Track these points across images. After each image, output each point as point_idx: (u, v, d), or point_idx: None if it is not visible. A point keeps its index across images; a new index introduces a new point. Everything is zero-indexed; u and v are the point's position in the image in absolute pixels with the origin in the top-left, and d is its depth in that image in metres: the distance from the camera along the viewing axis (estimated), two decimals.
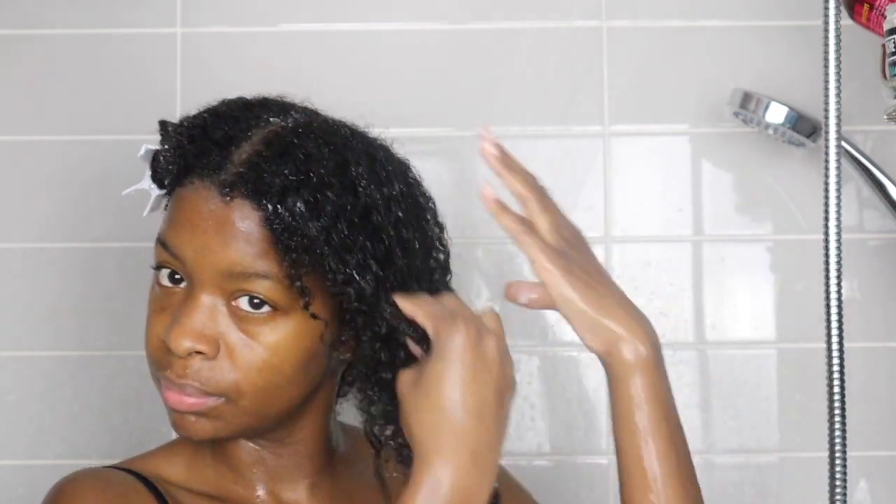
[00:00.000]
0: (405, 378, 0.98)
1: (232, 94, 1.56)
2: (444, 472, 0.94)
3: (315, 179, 0.99)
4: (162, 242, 1.04)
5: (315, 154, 1.01)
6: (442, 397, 0.94)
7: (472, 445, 0.94)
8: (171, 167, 1.04)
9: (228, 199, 0.99)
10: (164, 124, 1.07)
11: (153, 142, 1.09)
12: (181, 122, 1.07)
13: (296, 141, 1.01)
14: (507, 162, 1.05)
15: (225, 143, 1.01)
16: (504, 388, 0.97)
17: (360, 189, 1.01)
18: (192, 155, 1.02)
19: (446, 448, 0.94)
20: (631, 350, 1.00)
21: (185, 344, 1.01)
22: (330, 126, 1.07)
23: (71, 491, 1.05)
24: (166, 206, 1.08)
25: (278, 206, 0.98)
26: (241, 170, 0.99)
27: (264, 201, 0.99)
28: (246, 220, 0.99)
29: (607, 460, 1.54)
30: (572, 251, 1.03)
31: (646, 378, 1.00)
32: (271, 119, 1.04)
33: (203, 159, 1.01)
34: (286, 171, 0.99)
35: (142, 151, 1.09)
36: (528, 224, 1.02)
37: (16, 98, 1.58)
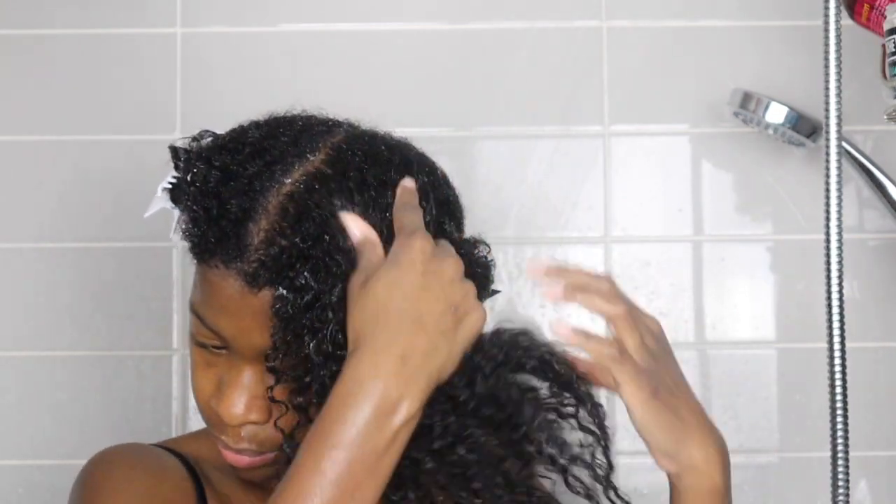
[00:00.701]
0: (355, 279, 0.94)
1: (231, 95, 1.58)
2: (367, 367, 0.90)
3: (329, 242, 0.96)
4: (199, 317, 1.02)
5: (330, 213, 0.97)
6: (385, 297, 0.92)
7: (404, 349, 0.91)
8: (190, 241, 1.01)
9: (256, 289, 0.97)
10: (175, 152, 1.05)
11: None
12: (193, 175, 1.02)
13: (311, 202, 0.97)
14: (577, 282, 1.04)
15: (241, 219, 0.97)
16: (461, 308, 0.94)
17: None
18: (210, 237, 0.99)
19: (377, 345, 0.91)
20: (706, 480, 1.00)
21: (237, 418, 1.01)
22: (347, 160, 1.01)
23: (105, 462, 1.10)
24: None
25: (300, 286, 0.96)
26: (262, 256, 0.96)
27: (287, 285, 0.96)
28: (277, 304, 0.97)
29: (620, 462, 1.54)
30: (658, 364, 1.03)
31: None
32: (285, 175, 0.99)
33: (223, 244, 0.98)
34: (302, 240, 0.96)
35: (159, 193, 1.06)
36: (617, 346, 1.01)
37: (16, 98, 1.58)
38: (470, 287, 0.95)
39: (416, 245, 0.93)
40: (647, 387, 0.99)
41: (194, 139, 1.04)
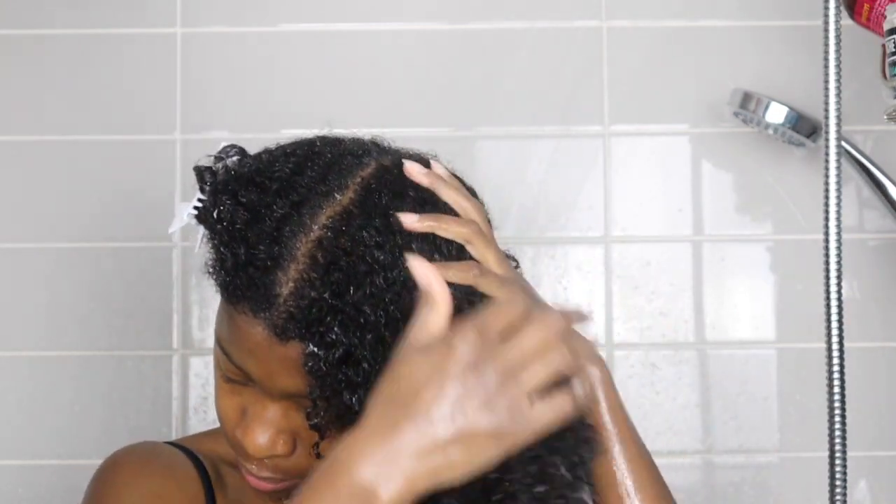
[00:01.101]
0: (404, 339, 0.89)
1: (232, 95, 1.58)
2: (355, 446, 0.85)
3: (356, 292, 0.93)
4: (226, 353, 1.00)
5: (359, 258, 0.94)
6: (399, 374, 0.86)
7: (404, 443, 0.84)
8: (217, 283, 0.99)
9: (285, 340, 0.95)
10: (200, 175, 1.03)
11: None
12: (219, 199, 0.99)
13: (339, 249, 0.95)
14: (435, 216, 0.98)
15: (270, 267, 0.95)
16: (505, 429, 0.85)
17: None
18: (238, 284, 0.96)
19: (376, 425, 0.85)
20: (595, 368, 0.99)
21: (262, 451, 1.00)
22: (375, 198, 0.97)
23: (115, 463, 1.09)
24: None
25: (331, 342, 0.93)
26: (291, 308, 0.94)
27: (317, 341, 0.94)
28: (310, 362, 0.94)
29: None
30: (518, 278, 1.01)
31: (611, 390, 1.00)
32: (314, 219, 0.96)
33: (251, 293, 0.95)
34: (332, 294, 0.93)
35: (185, 219, 1.04)
36: (477, 266, 0.97)
37: (16, 98, 1.58)
38: (505, 406, 0.84)
39: (453, 338, 0.85)
40: (518, 294, 0.95)
41: (219, 157, 1.02)
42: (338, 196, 0.96)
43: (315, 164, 0.98)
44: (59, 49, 1.58)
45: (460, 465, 0.84)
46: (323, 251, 0.94)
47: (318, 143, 1.01)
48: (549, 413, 0.85)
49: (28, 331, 1.56)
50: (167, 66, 1.58)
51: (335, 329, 0.92)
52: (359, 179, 0.97)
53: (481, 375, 0.84)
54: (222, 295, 0.99)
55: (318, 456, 0.96)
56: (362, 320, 0.91)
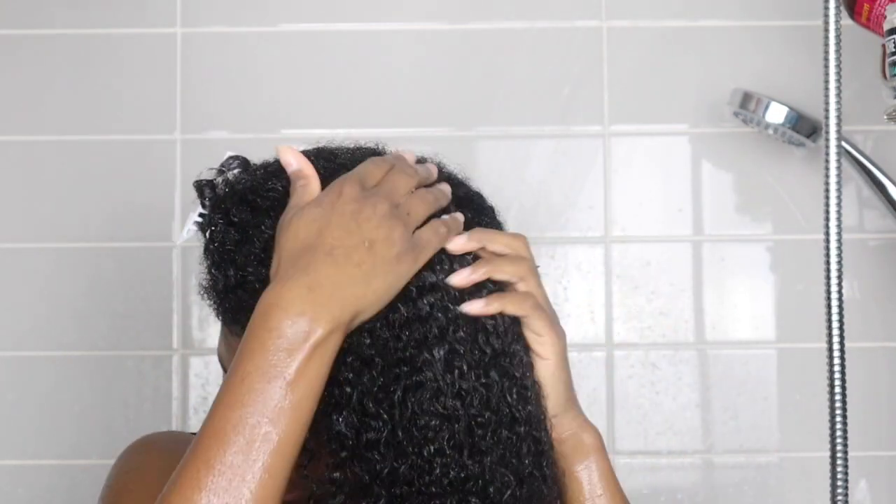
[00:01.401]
0: (284, 215, 0.94)
1: (231, 95, 1.58)
2: (272, 297, 0.89)
3: None
4: (226, 371, 1.01)
5: None
6: (303, 234, 0.91)
7: (311, 280, 0.90)
8: (209, 298, 1.00)
9: None
10: (200, 190, 1.03)
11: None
12: (213, 218, 1.00)
13: None
14: (486, 239, 1.00)
15: (258, 290, 0.94)
16: (378, 244, 0.91)
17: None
18: (228, 306, 0.98)
19: (286, 278, 0.90)
20: (587, 437, 0.99)
21: None
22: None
23: (130, 448, 1.12)
24: None
25: None
26: None
27: None
28: None
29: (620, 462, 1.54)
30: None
31: (604, 459, 0.99)
32: None
33: (241, 315, 0.96)
34: None
35: (185, 237, 1.04)
36: (534, 299, 0.98)
37: (16, 98, 1.58)
38: (399, 226, 0.92)
39: (339, 187, 0.93)
40: (561, 339, 0.97)
41: (220, 170, 1.02)
42: None
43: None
44: (59, 49, 1.58)
45: (379, 292, 0.91)
46: None
47: (313, 159, 1.00)
48: (433, 234, 0.94)
49: (28, 331, 1.56)
50: (167, 66, 1.58)
51: None
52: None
53: (373, 206, 0.92)
54: (216, 316, 1.00)
55: (305, 477, 0.96)
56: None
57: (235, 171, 1.02)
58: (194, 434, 1.12)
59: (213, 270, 0.98)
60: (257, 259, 0.96)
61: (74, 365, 1.56)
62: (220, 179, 1.01)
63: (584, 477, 0.98)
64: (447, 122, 1.58)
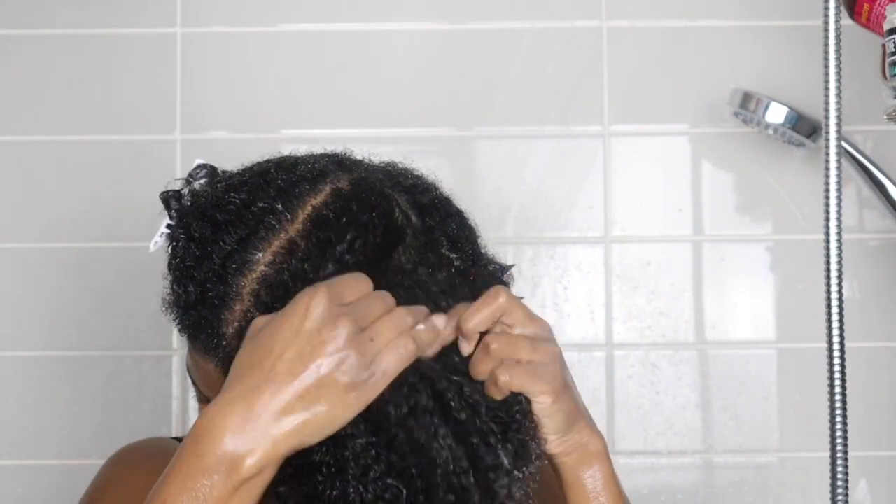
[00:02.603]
0: (258, 318, 0.92)
1: (232, 95, 1.58)
2: (209, 415, 0.87)
3: None
4: (193, 382, 1.04)
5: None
6: (256, 341, 0.89)
7: (249, 405, 0.86)
8: (171, 314, 1.00)
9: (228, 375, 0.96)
10: (166, 202, 1.04)
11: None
12: (177, 232, 1.00)
13: (282, 284, 0.95)
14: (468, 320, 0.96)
15: (217, 306, 0.96)
16: (330, 371, 0.87)
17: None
18: (188, 323, 0.98)
19: (228, 393, 0.88)
20: (593, 446, 0.99)
21: None
22: (324, 240, 0.96)
23: (112, 460, 1.11)
24: None
25: None
26: (236, 345, 0.95)
27: None
28: None
29: (620, 461, 1.54)
30: (549, 359, 0.99)
31: (607, 463, 1.00)
32: (261, 253, 0.95)
33: (200, 332, 0.97)
34: None
35: (152, 249, 1.05)
36: (515, 363, 0.96)
37: (16, 98, 1.58)
38: (355, 354, 0.87)
39: (308, 300, 0.88)
40: (551, 381, 0.96)
41: (188, 180, 1.02)
42: (286, 227, 0.95)
43: (266, 193, 0.97)
44: (59, 49, 1.58)
45: (322, 422, 0.87)
46: (266, 287, 0.94)
47: (273, 170, 0.99)
48: (394, 357, 0.89)
49: (28, 331, 1.56)
50: (167, 66, 1.58)
51: None
52: (309, 209, 0.96)
53: (334, 328, 0.87)
54: (179, 331, 1.00)
55: None
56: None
57: (202, 180, 1.02)
58: (179, 439, 1.12)
59: (174, 286, 0.98)
60: (216, 275, 0.95)
61: (74, 365, 1.56)
62: (186, 190, 1.01)
63: (590, 484, 0.98)
64: (447, 122, 1.58)
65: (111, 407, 1.55)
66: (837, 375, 1.14)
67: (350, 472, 0.89)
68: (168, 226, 1.02)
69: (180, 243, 0.99)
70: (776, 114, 1.47)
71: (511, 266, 1.07)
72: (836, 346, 1.14)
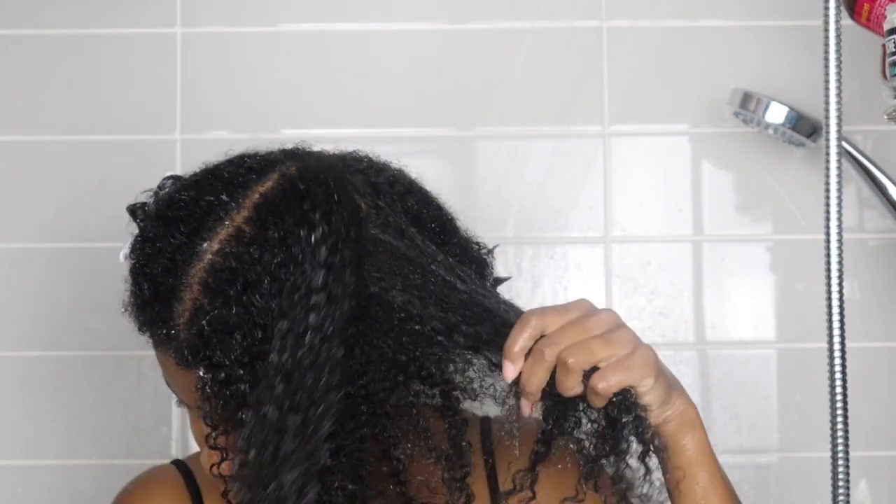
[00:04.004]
0: None
1: (232, 95, 1.58)
2: None
3: (256, 313, 0.95)
4: (165, 380, 1.06)
5: (249, 276, 0.96)
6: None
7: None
8: (128, 311, 1.04)
9: (188, 368, 0.99)
10: (133, 213, 1.05)
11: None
12: (131, 250, 1.03)
13: (228, 270, 0.96)
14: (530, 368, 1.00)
15: (169, 299, 0.98)
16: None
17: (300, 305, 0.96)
18: (142, 318, 1.02)
19: None
20: (689, 415, 1.02)
21: (206, 465, 1.03)
22: (269, 224, 0.97)
23: (137, 490, 1.15)
24: None
25: (216, 364, 0.97)
26: (186, 338, 0.98)
27: (206, 365, 0.97)
28: (199, 384, 0.98)
29: None
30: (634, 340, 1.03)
31: (701, 431, 1.03)
32: (208, 244, 0.97)
33: (154, 326, 1.00)
34: (219, 317, 0.96)
35: (122, 260, 1.06)
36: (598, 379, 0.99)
37: (16, 98, 1.58)
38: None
39: None
40: (644, 368, 0.99)
41: (156, 192, 1.04)
42: (233, 215, 0.97)
43: (213, 187, 1.00)
44: (58, 49, 1.58)
45: None
46: (213, 275, 0.96)
47: (222, 165, 1.02)
48: None
49: (28, 331, 1.56)
50: (167, 66, 1.58)
51: (218, 352, 0.95)
52: (256, 196, 0.98)
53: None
54: (138, 331, 1.03)
55: (223, 479, 1.00)
56: (246, 343, 0.94)
57: (168, 189, 1.03)
58: (179, 462, 1.13)
59: (131, 287, 1.01)
60: (166, 269, 0.98)
61: (74, 365, 1.56)
62: (151, 201, 1.03)
63: (690, 448, 1.01)
64: (447, 122, 1.58)
65: (111, 407, 1.55)
66: (838, 375, 1.14)
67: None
68: (134, 236, 1.04)
69: (136, 244, 1.01)
70: (776, 114, 1.47)
71: (494, 247, 1.08)
72: (836, 346, 1.14)
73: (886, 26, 1.18)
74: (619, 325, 1.00)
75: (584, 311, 0.99)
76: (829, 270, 1.13)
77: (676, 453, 1.02)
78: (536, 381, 0.97)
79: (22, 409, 1.56)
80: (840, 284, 1.13)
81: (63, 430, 1.56)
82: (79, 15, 1.58)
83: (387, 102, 1.58)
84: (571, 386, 0.96)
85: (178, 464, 1.16)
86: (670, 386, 1.01)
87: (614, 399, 0.98)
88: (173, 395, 1.06)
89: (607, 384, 0.96)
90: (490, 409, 1.06)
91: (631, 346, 0.99)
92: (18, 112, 1.58)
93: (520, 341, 0.97)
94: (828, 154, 1.14)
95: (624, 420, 0.98)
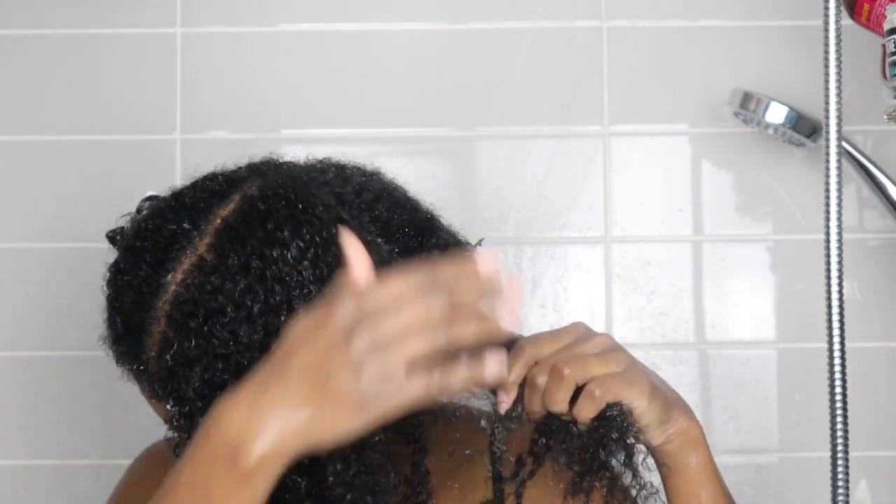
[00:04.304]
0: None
1: (232, 95, 1.58)
2: (223, 403, 0.87)
3: (217, 344, 0.94)
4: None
5: (211, 306, 0.94)
6: (285, 333, 0.88)
7: (258, 398, 0.86)
8: (106, 344, 1.03)
9: (160, 401, 0.98)
10: (112, 240, 1.04)
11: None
12: (107, 279, 1.02)
13: (192, 301, 0.94)
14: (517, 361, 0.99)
15: (139, 333, 0.97)
16: (338, 381, 0.85)
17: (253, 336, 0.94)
18: (116, 352, 1.01)
19: (247, 382, 0.87)
20: (692, 434, 1.02)
21: None
22: (229, 245, 0.95)
23: (142, 456, 1.17)
24: None
25: (183, 398, 0.95)
26: (154, 372, 0.97)
27: (175, 398, 0.96)
28: (170, 414, 0.97)
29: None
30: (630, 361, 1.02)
31: (704, 450, 1.02)
32: (173, 275, 0.96)
33: (127, 360, 1.00)
34: (183, 352, 0.94)
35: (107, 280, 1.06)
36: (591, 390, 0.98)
37: (16, 98, 1.58)
38: (370, 368, 0.83)
39: (337, 301, 0.86)
40: (642, 383, 0.99)
41: (134, 214, 1.04)
42: (195, 244, 0.95)
43: (176, 215, 0.98)
44: (58, 49, 1.58)
45: (327, 430, 0.85)
46: (177, 308, 0.94)
47: (186, 190, 1.00)
48: (417, 389, 0.85)
49: (28, 331, 1.56)
50: (167, 66, 1.58)
51: (182, 385, 0.94)
52: (218, 221, 0.96)
53: (354, 341, 0.84)
54: (116, 364, 1.03)
55: None
56: (203, 373, 0.93)
57: (146, 212, 1.02)
58: None
59: (107, 320, 1.00)
60: (135, 302, 0.96)
61: (74, 365, 1.56)
62: (127, 226, 1.03)
63: (693, 468, 1.01)
64: (447, 122, 1.58)
65: (111, 407, 1.55)
66: (838, 375, 1.14)
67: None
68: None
69: (110, 276, 1.00)
70: (776, 114, 1.47)
71: (480, 241, 1.06)
72: (836, 346, 1.14)
73: (886, 26, 1.18)
74: (615, 348, 1.00)
75: (579, 334, 1.00)
76: (829, 270, 1.13)
77: (678, 472, 1.02)
78: (535, 408, 0.98)
79: (22, 409, 1.56)
80: (840, 284, 1.13)
81: (63, 430, 1.55)
82: (79, 15, 1.58)
83: (387, 102, 1.57)
84: (561, 400, 0.96)
85: None
86: (669, 404, 1.00)
87: (608, 414, 0.97)
88: None
89: (604, 391, 0.96)
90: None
91: (626, 365, 0.99)
92: (18, 112, 1.58)
93: (514, 371, 0.97)
94: (828, 154, 1.14)
95: (614, 436, 0.98)
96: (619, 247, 1.57)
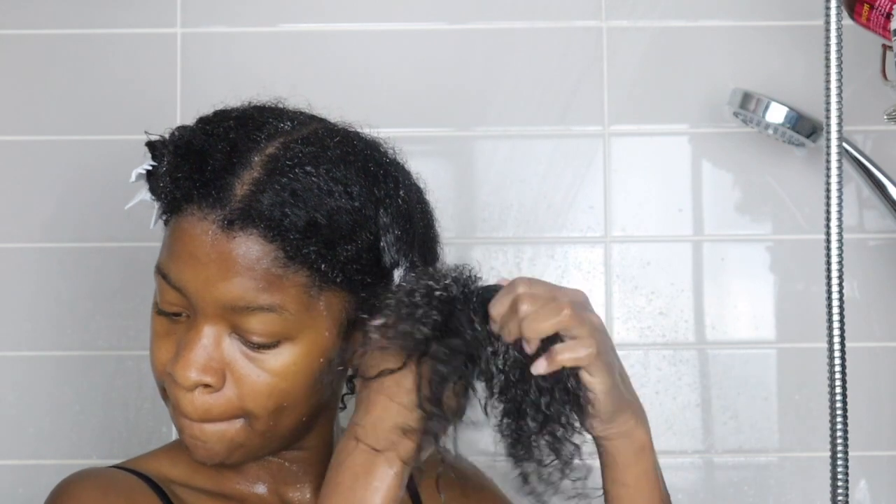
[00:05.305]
0: None
1: (231, 96, 1.57)
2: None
3: (317, 205, 0.99)
4: (163, 274, 1.03)
5: (314, 176, 1.00)
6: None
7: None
8: (168, 193, 1.02)
9: (232, 235, 0.98)
10: (152, 146, 1.05)
11: (142, 160, 1.08)
12: (174, 140, 1.04)
13: (295, 162, 1.00)
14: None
15: (225, 172, 0.99)
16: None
17: (357, 205, 1.01)
18: (191, 185, 1.00)
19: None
20: (638, 439, 1.03)
21: (191, 378, 1.01)
22: (328, 138, 1.05)
23: (73, 491, 1.04)
24: (165, 223, 1.07)
25: (283, 239, 0.98)
26: (243, 205, 0.98)
27: (269, 235, 0.98)
28: (250, 255, 0.98)
29: None
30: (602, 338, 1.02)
31: (649, 455, 1.04)
32: (269, 141, 1.02)
33: (203, 190, 0.99)
34: (288, 200, 0.98)
35: (133, 178, 1.07)
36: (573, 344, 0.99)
37: (16, 98, 1.58)
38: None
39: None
40: (606, 366, 0.99)
41: (172, 131, 1.07)
42: (295, 126, 1.05)
43: (267, 110, 1.08)
44: (59, 49, 1.58)
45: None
46: (277, 162, 0.99)
47: (271, 101, 1.11)
48: None
49: (29, 331, 1.56)
50: (167, 66, 1.58)
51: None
52: (316, 123, 1.08)
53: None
54: (170, 206, 1.02)
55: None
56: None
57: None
58: (121, 468, 1.09)
59: (175, 158, 1.02)
60: (224, 150, 1.01)
61: (74, 365, 1.56)
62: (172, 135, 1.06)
63: (631, 473, 1.02)
64: (447, 121, 1.58)
65: (111, 407, 1.55)
66: (838, 375, 1.14)
67: None
68: (151, 164, 1.04)
69: (181, 134, 1.04)
70: (776, 114, 1.47)
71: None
72: (836, 346, 1.14)
73: (893, 26, 1.18)
74: (585, 306, 1.00)
75: (578, 301, 0.99)
76: (829, 270, 1.14)
77: (611, 471, 1.03)
78: (513, 330, 0.97)
79: (22, 409, 1.56)
80: (840, 284, 1.13)
81: (63, 430, 1.55)
82: (79, 15, 1.58)
83: (386, 102, 1.57)
84: (512, 330, 0.96)
85: (137, 474, 1.09)
86: (621, 405, 1.00)
87: (565, 374, 0.97)
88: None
89: (573, 354, 0.96)
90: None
91: (598, 349, 0.98)
92: (18, 112, 1.58)
93: (502, 302, 0.98)
94: (828, 154, 1.14)
95: (559, 388, 0.97)
96: (619, 247, 1.57)
